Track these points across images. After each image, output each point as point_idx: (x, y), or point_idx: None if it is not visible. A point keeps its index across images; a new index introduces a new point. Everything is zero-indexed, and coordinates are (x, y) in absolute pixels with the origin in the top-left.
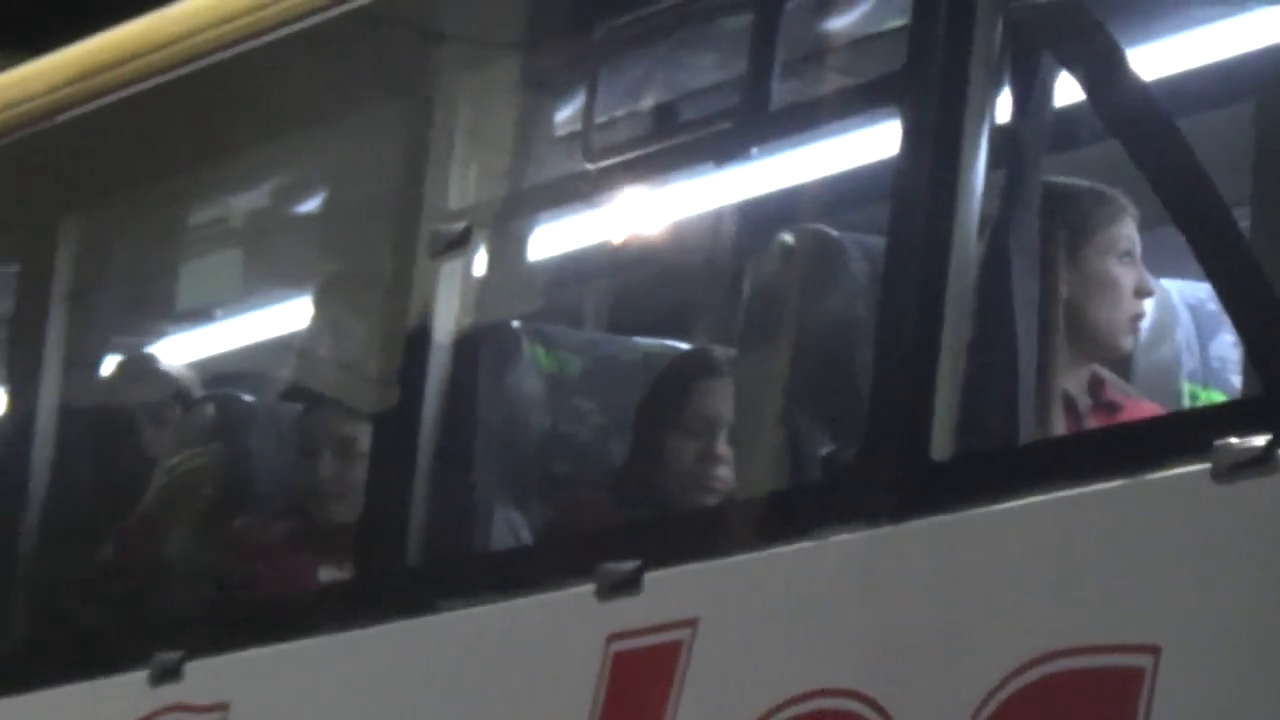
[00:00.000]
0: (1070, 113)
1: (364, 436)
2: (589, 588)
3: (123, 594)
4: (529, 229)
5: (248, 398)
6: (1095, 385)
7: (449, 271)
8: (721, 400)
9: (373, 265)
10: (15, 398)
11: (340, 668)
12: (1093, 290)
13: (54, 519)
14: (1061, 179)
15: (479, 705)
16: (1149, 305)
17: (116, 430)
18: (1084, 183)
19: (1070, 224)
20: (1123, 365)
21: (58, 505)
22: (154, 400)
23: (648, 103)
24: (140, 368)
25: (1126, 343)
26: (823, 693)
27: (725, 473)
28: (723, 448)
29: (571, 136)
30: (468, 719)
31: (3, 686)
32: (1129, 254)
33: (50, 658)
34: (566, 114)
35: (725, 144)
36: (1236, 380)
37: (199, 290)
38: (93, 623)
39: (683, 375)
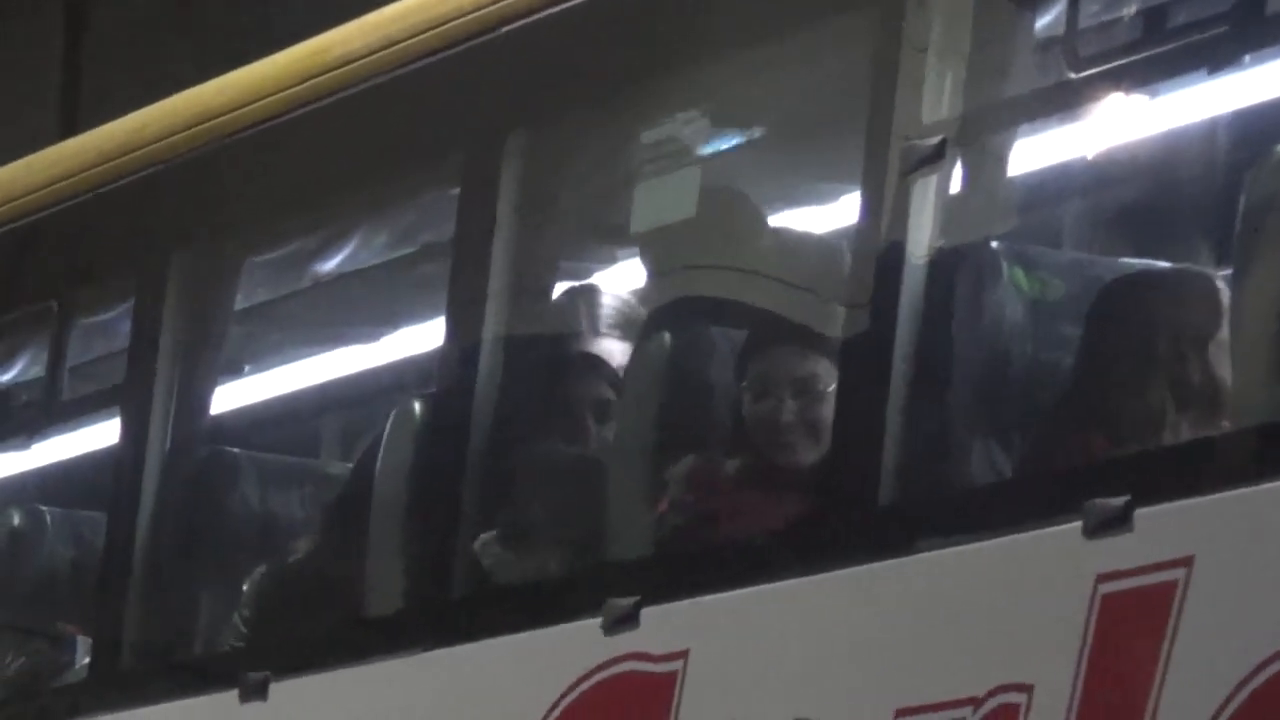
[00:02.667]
0: None
1: (825, 374)
2: (1075, 525)
3: (573, 538)
4: (1007, 143)
5: (695, 326)
6: None
7: (922, 189)
8: (1205, 317)
9: (839, 184)
10: (459, 327)
11: (805, 613)
12: None
13: (498, 456)
14: None
15: (954, 652)
16: None
17: (564, 362)
18: None
19: None
20: None
21: (501, 442)
22: (603, 331)
23: (1134, 6)
24: (589, 297)
25: None
26: None
27: (1216, 398)
28: (1209, 372)
29: (1053, 44)
30: (942, 666)
31: (451, 635)
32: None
33: (500, 605)
34: (1047, 20)
35: (1219, 49)
36: None
37: (651, 211)
38: (542, 569)
39: (1150, 294)
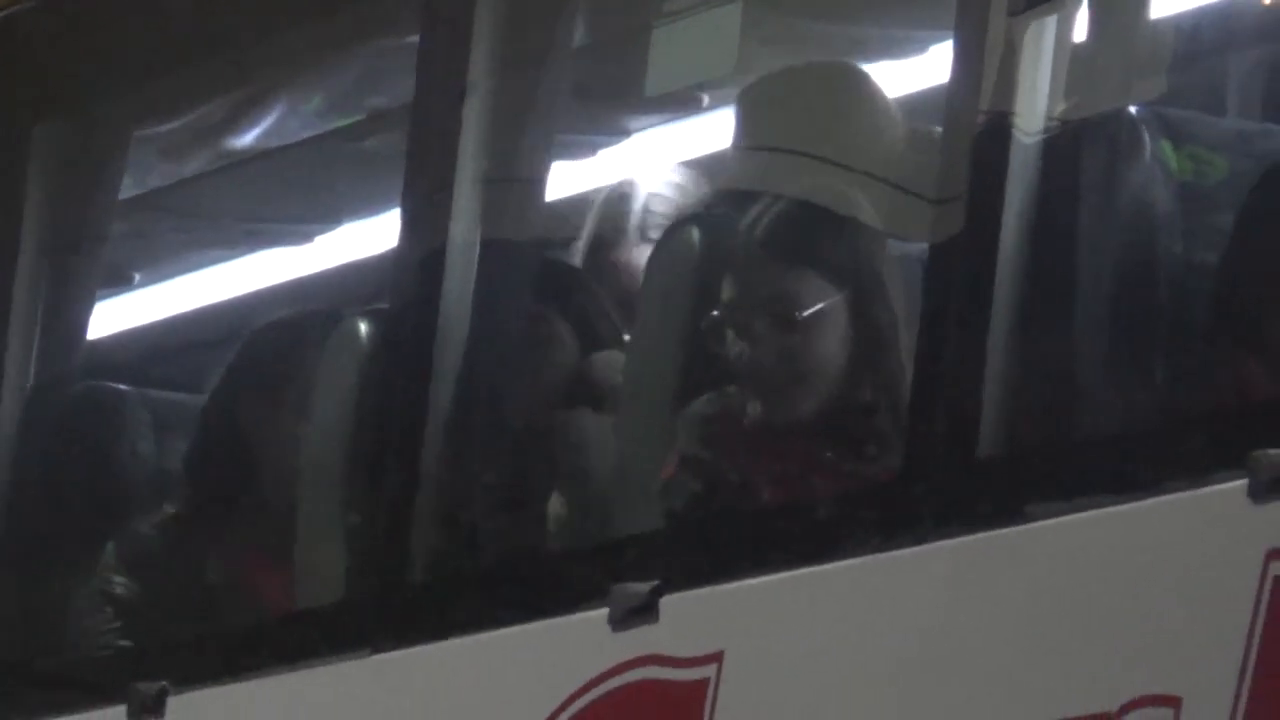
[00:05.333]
0: None
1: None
2: (1240, 485)
3: (569, 506)
4: None
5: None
6: None
7: (1036, 35)
8: None
9: (930, 29)
10: (418, 223)
11: (876, 604)
12: None
13: (471, 394)
14: None
15: (1081, 634)
16: None
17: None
18: None
19: None
20: None
21: (475, 375)
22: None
23: None
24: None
25: None
26: None
27: None
28: None
29: None
30: (1063, 650)
31: (408, 633)
32: None
33: (476, 593)
34: None
35: None
36: None
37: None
38: (530, 545)
39: None
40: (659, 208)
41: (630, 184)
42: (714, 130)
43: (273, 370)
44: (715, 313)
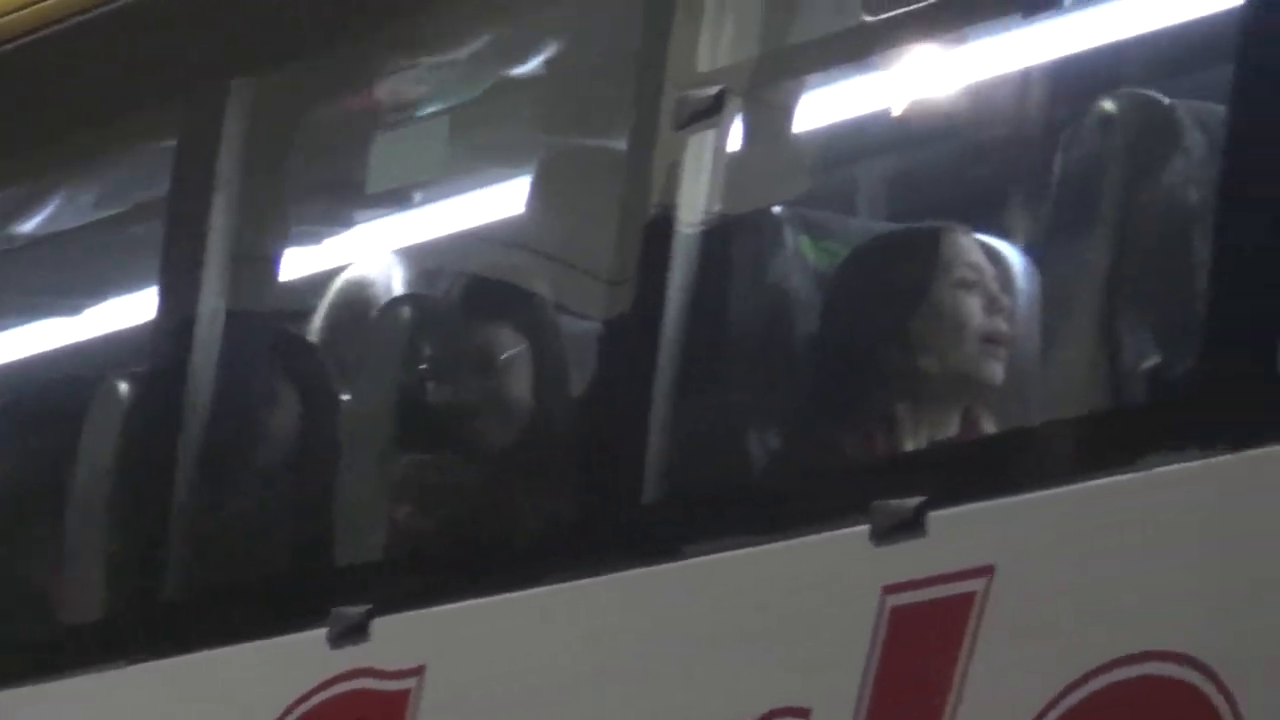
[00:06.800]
0: None
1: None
2: (862, 529)
3: (296, 538)
4: (794, 95)
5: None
6: None
7: (698, 146)
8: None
9: (605, 140)
10: (172, 298)
11: (554, 626)
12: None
13: (215, 443)
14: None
15: (730, 654)
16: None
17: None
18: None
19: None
20: None
21: (218, 428)
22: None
23: None
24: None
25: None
26: (1149, 656)
27: (1018, 386)
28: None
29: None
30: (718, 680)
31: (155, 647)
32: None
33: (212, 613)
34: None
35: None
36: None
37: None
38: (263, 573)
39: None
40: (379, 288)
41: (359, 268)
42: (427, 222)
43: (45, 420)
44: (424, 366)
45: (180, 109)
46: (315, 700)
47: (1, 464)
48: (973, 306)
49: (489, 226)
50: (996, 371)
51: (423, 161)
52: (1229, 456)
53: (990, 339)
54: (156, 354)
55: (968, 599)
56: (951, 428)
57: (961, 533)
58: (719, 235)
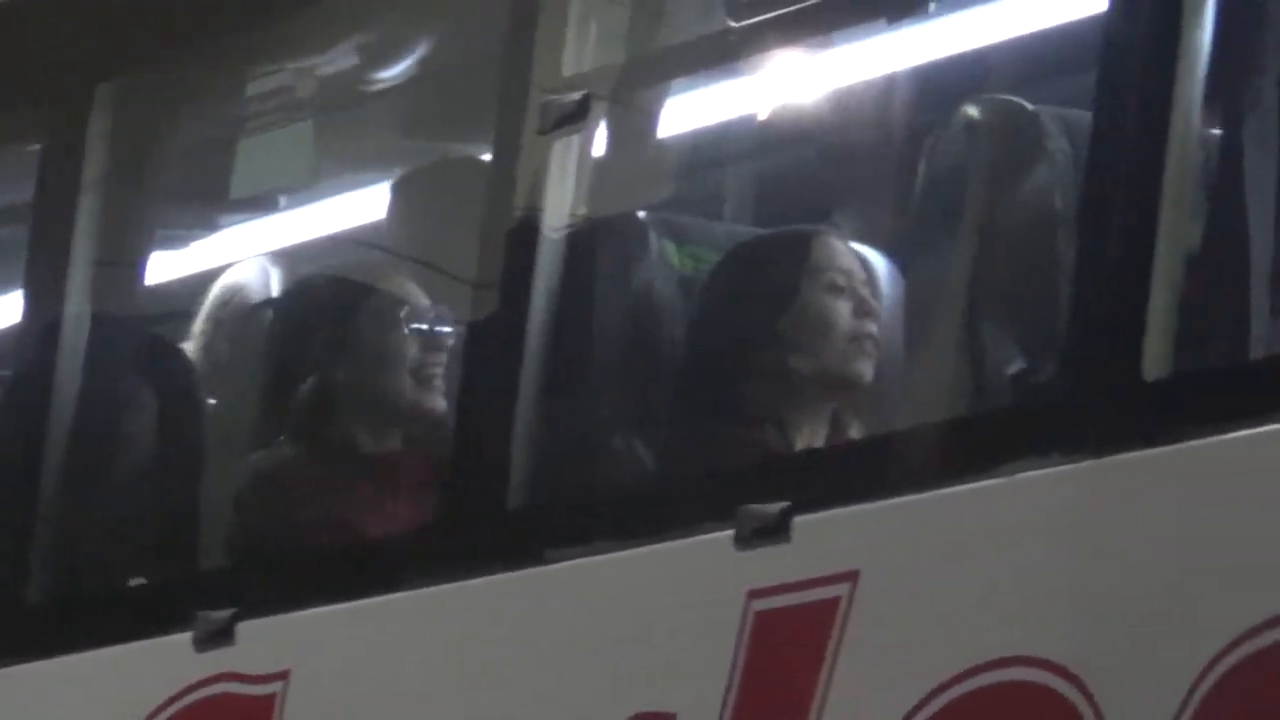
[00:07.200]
0: None
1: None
2: (727, 534)
3: (160, 543)
4: (659, 100)
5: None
6: None
7: (562, 151)
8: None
9: (470, 144)
10: (37, 303)
11: (419, 630)
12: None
13: (78, 448)
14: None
15: (593, 670)
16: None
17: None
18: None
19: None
20: None
21: (83, 434)
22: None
23: None
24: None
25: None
26: (1011, 662)
27: (879, 390)
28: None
29: None
30: (583, 685)
31: (20, 650)
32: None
33: (79, 617)
34: None
35: None
36: None
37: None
38: (129, 577)
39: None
40: (248, 292)
41: (230, 273)
42: (291, 227)
43: None
44: (289, 369)
45: (45, 113)
46: (180, 704)
47: None
48: (842, 310)
49: (355, 231)
50: (865, 375)
51: (288, 166)
52: (1093, 461)
53: (858, 342)
54: (20, 358)
55: (833, 604)
56: (819, 433)
57: (826, 537)
58: (584, 240)
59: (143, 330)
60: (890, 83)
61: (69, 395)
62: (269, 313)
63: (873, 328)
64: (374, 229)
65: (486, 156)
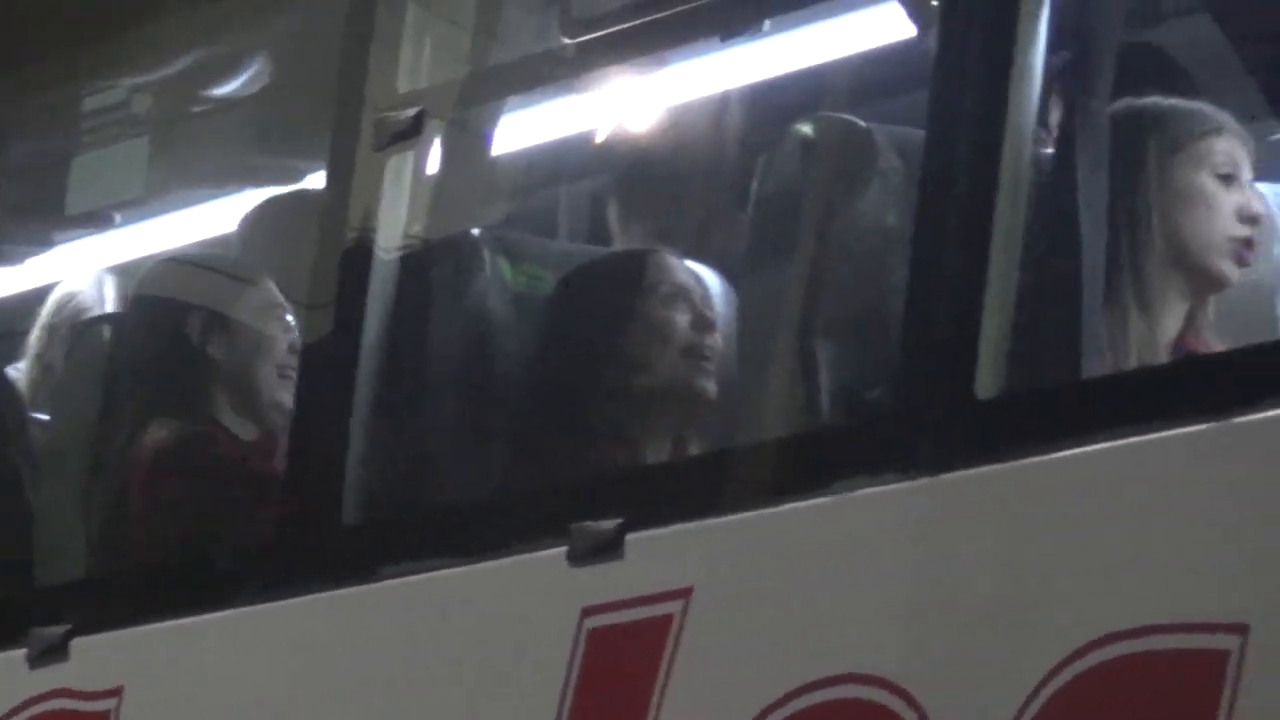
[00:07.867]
0: None
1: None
2: (560, 551)
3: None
4: (494, 117)
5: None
6: (1191, 325)
7: (396, 168)
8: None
9: (305, 160)
10: None
11: (252, 647)
12: (1180, 207)
13: None
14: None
15: (427, 688)
16: (1259, 231)
17: None
18: (1181, 101)
19: (1158, 137)
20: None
21: None
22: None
23: None
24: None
25: (1227, 270)
26: (844, 679)
27: (711, 408)
28: (698, 377)
29: (546, 5)
30: (416, 702)
31: None
32: (1229, 175)
33: None
34: None
35: (732, 15)
36: None
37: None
38: None
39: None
40: (82, 299)
41: (62, 288)
42: (129, 242)
43: None
44: (123, 385)
45: None
46: None
47: None
48: (680, 324)
49: (189, 248)
50: (707, 390)
51: (123, 182)
52: (928, 479)
53: (697, 354)
54: None
55: (666, 621)
56: (654, 449)
57: (660, 555)
58: (418, 257)
59: None
60: (724, 100)
61: None
62: (106, 329)
63: (711, 340)
64: (211, 245)
65: (321, 173)
